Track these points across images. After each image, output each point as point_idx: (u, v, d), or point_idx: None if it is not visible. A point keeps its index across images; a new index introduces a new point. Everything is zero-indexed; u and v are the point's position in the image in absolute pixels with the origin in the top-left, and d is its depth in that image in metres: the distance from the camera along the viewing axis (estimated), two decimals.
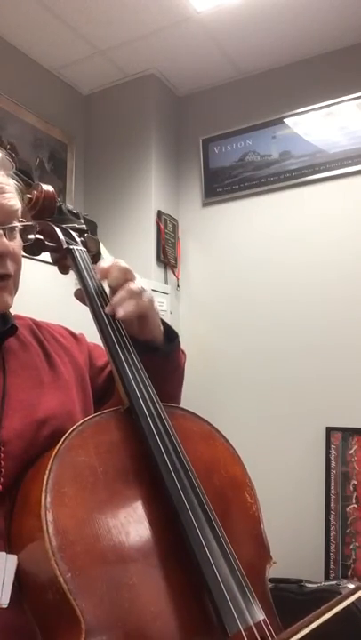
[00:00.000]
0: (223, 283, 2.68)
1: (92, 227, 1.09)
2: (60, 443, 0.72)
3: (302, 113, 2.53)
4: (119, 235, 2.69)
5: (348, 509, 2.25)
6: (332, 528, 2.26)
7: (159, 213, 2.67)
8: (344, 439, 2.30)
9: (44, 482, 0.67)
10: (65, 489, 0.68)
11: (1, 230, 0.79)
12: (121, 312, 0.84)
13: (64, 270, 1.00)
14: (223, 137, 2.71)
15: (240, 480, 0.86)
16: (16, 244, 0.83)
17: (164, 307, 2.55)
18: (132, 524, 0.70)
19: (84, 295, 0.92)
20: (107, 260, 0.90)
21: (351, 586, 1.71)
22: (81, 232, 1.01)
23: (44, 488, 0.67)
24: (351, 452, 2.28)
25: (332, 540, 2.26)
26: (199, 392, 2.64)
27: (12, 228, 0.82)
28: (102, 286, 0.92)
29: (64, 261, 0.98)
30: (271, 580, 0.81)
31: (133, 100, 2.75)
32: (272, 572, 0.82)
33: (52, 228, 0.96)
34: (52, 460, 0.69)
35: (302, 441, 2.40)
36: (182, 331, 2.68)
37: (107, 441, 0.76)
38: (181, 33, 2.41)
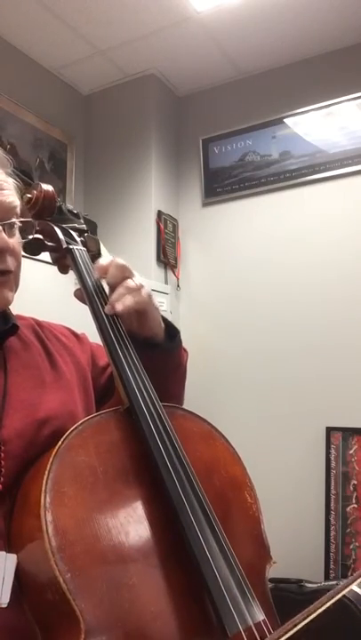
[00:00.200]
0: (223, 283, 2.68)
1: (92, 227, 1.09)
2: (60, 442, 0.72)
3: (302, 113, 2.53)
4: (119, 235, 2.69)
5: (348, 509, 2.25)
6: (333, 528, 2.26)
7: (159, 213, 2.67)
8: (344, 439, 2.30)
9: (44, 482, 0.67)
10: (65, 489, 0.68)
11: (0, 226, 0.79)
12: (119, 307, 0.84)
13: (64, 270, 1.00)
14: (223, 137, 2.71)
15: (240, 480, 0.86)
16: (15, 241, 0.83)
17: (164, 307, 2.55)
18: (132, 525, 0.70)
19: (83, 295, 0.92)
20: (105, 258, 0.90)
21: (351, 586, 1.72)
22: (81, 232, 1.01)
23: (43, 488, 0.66)
24: (351, 452, 2.28)
25: (332, 540, 2.26)
26: (199, 392, 2.63)
27: (11, 225, 0.82)
28: (102, 286, 0.92)
29: (64, 261, 0.98)
30: (271, 580, 0.81)
31: (133, 100, 2.75)
32: (272, 571, 0.82)
33: (51, 228, 0.96)
34: (51, 459, 0.69)
35: (302, 441, 2.40)
36: (182, 331, 2.66)
37: (107, 441, 0.76)
38: (181, 33, 2.41)
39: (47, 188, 0.96)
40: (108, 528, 0.68)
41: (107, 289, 0.90)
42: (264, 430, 2.47)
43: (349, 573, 2.20)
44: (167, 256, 2.68)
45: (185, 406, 0.91)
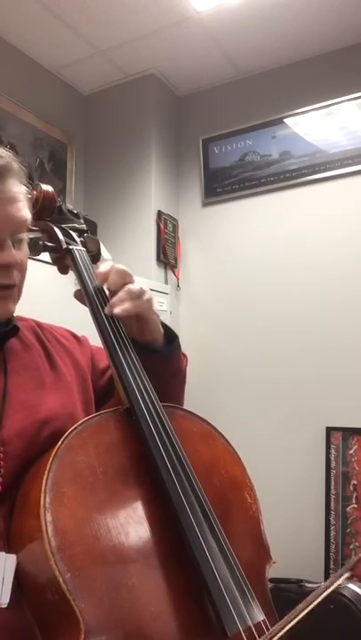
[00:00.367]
0: (223, 283, 2.68)
1: (92, 227, 1.09)
2: (60, 443, 0.72)
3: (302, 113, 2.53)
4: (119, 235, 2.69)
5: (348, 509, 2.25)
6: (332, 528, 2.26)
7: (159, 213, 2.67)
8: (344, 439, 2.30)
9: (44, 482, 0.67)
10: (64, 489, 0.68)
11: (10, 241, 0.79)
12: (118, 310, 0.84)
13: (63, 270, 1.00)
14: (223, 137, 2.71)
15: (240, 480, 0.86)
16: (23, 254, 0.83)
17: (164, 307, 2.55)
18: (132, 525, 0.70)
19: (83, 295, 0.92)
20: (105, 264, 0.90)
21: (351, 586, 1.72)
22: (80, 232, 1.01)
23: (43, 488, 0.67)
24: (351, 452, 2.28)
25: (332, 540, 2.26)
26: (199, 392, 2.64)
27: (21, 238, 0.82)
28: (102, 287, 0.92)
29: (63, 261, 0.98)
30: (271, 580, 0.81)
31: (133, 100, 2.75)
32: (272, 571, 0.82)
33: (51, 228, 0.96)
34: (51, 459, 0.69)
35: (302, 441, 2.40)
36: (182, 331, 2.68)
37: (106, 441, 0.76)
38: (181, 33, 2.41)
39: (47, 188, 0.96)
40: (107, 528, 0.68)
41: (107, 291, 0.90)
42: (264, 430, 2.47)
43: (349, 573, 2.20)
44: (167, 256, 2.68)
45: (185, 406, 0.91)
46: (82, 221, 1.04)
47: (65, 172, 2.74)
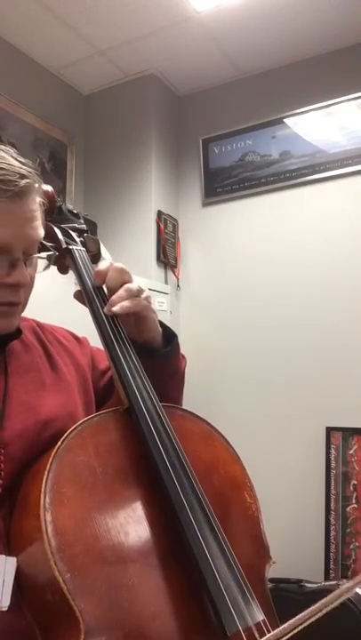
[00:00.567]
0: (223, 283, 2.68)
1: (92, 227, 1.09)
2: (60, 443, 0.72)
3: (302, 113, 2.53)
4: (119, 235, 2.69)
5: (348, 509, 2.25)
6: (332, 528, 2.26)
7: (159, 213, 2.67)
8: (344, 439, 2.30)
9: (43, 482, 0.67)
10: (64, 489, 0.68)
11: (23, 261, 0.78)
12: (117, 308, 0.85)
13: (63, 270, 1.00)
14: (223, 137, 2.71)
15: (239, 480, 0.86)
16: (32, 271, 0.83)
17: (164, 307, 2.55)
18: (132, 525, 0.70)
19: (83, 295, 0.92)
20: (103, 262, 0.91)
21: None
22: (80, 232, 1.01)
23: (42, 488, 0.67)
24: (351, 452, 2.28)
25: (332, 540, 2.26)
26: (199, 392, 2.64)
27: (33, 256, 0.82)
28: (101, 286, 0.92)
29: (63, 261, 0.98)
30: (271, 580, 0.81)
31: (133, 100, 2.75)
32: (272, 571, 0.82)
33: (50, 228, 0.96)
34: (50, 460, 0.69)
35: (302, 441, 2.40)
36: (182, 331, 2.68)
37: (106, 441, 0.76)
38: (181, 33, 2.41)
39: (46, 188, 0.96)
40: (107, 528, 0.68)
41: (106, 290, 0.90)
42: (264, 430, 2.47)
43: (349, 573, 2.20)
44: (167, 256, 2.68)
45: (184, 406, 0.91)
46: (82, 221, 1.04)
47: (65, 171, 2.74)
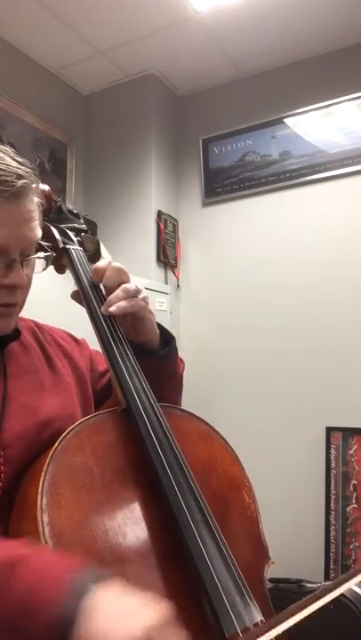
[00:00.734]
0: (223, 283, 2.68)
1: (93, 227, 1.09)
2: (57, 444, 0.71)
3: (302, 113, 2.52)
4: (119, 235, 2.69)
5: (348, 509, 2.25)
6: (333, 528, 2.26)
7: (159, 213, 2.67)
8: (344, 439, 2.29)
9: (40, 483, 0.67)
10: (61, 490, 0.68)
11: (20, 262, 0.77)
12: (114, 308, 0.85)
13: (60, 270, 1.00)
14: (223, 137, 2.71)
15: (238, 480, 0.85)
16: (30, 272, 0.82)
17: (164, 307, 2.55)
18: (129, 526, 0.70)
19: (80, 295, 0.92)
20: (102, 261, 0.91)
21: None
22: (77, 231, 1.00)
23: (40, 490, 0.66)
24: (351, 452, 2.28)
25: (332, 540, 2.25)
26: (198, 392, 2.64)
27: (30, 257, 0.81)
28: (99, 286, 0.92)
29: (60, 261, 0.98)
30: (271, 580, 0.81)
31: (133, 100, 2.75)
32: (272, 572, 0.82)
33: (48, 228, 0.96)
34: (48, 461, 0.69)
35: (302, 441, 2.40)
36: (182, 331, 2.68)
37: (103, 442, 0.75)
38: (181, 33, 2.41)
39: (43, 187, 0.96)
40: (105, 529, 0.68)
41: (103, 289, 0.90)
42: (264, 430, 2.47)
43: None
44: (167, 256, 2.68)
45: (184, 406, 0.90)
46: (82, 221, 1.04)
47: (65, 171, 2.74)
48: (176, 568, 0.70)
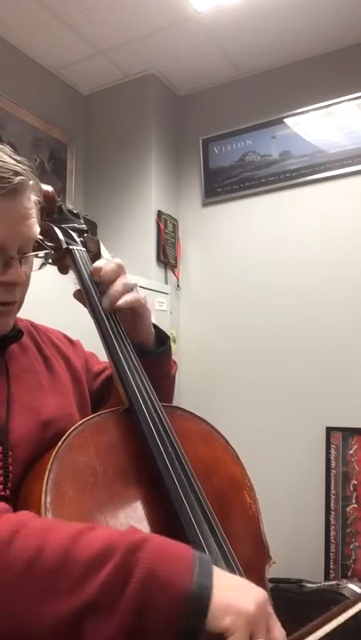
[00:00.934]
0: (223, 283, 2.68)
1: (92, 227, 1.09)
2: (60, 443, 0.72)
3: (302, 113, 2.53)
4: (119, 235, 2.69)
5: (348, 509, 2.25)
6: (332, 528, 2.26)
7: (159, 213, 2.67)
8: (344, 439, 2.30)
9: (44, 482, 0.67)
10: (65, 489, 0.68)
11: (18, 259, 0.77)
12: (122, 302, 0.86)
13: (64, 270, 1.00)
14: (223, 137, 2.71)
15: (239, 480, 0.86)
16: (28, 269, 0.82)
17: (164, 307, 2.55)
18: (132, 524, 0.70)
19: (83, 295, 0.92)
20: (101, 260, 0.91)
21: (351, 586, 1.72)
22: (80, 232, 1.01)
23: (43, 488, 0.66)
24: (351, 452, 2.28)
25: (332, 540, 2.26)
26: (199, 392, 2.64)
27: (28, 254, 0.81)
28: (100, 284, 0.92)
29: (64, 261, 0.98)
30: (271, 580, 0.81)
31: (133, 100, 2.75)
32: (272, 571, 0.82)
33: (51, 228, 0.96)
34: (51, 460, 0.69)
35: (302, 441, 2.40)
36: (182, 331, 2.68)
37: (106, 441, 0.76)
38: (181, 33, 2.41)
39: (46, 188, 0.96)
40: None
41: (102, 286, 0.91)
42: (264, 430, 2.47)
43: (349, 573, 2.20)
44: (167, 256, 2.68)
45: (184, 406, 0.91)
46: (82, 221, 1.04)
47: (65, 171, 2.74)
48: None
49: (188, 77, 2.75)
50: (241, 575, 0.71)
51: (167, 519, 0.71)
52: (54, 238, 0.95)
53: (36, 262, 0.88)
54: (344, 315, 2.37)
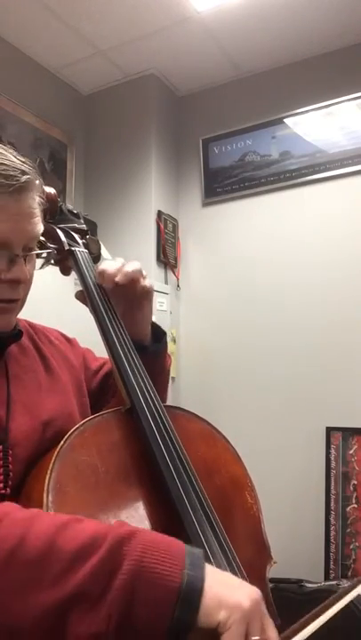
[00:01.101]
0: (223, 283, 2.68)
1: (92, 227, 1.09)
2: (62, 442, 0.72)
3: (302, 113, 2.53)
4: (119, 235, 2.69)
5: (348, 509, 2.25)
6: (332, 528, 2.26)
7: (159, 213, 2.67)
8: (344, 439, 2.30)
9: (46, 481, 0.67)
10: (66, 488, 0.68)
11: (22, 257, 0.78)
12: (121, 276, 0.89)
13: (66, 272, 1.01)
14: (223, 137, 2.71)
15: (241, 480, 0.86)
16: (31, 268, 0.83)
17: (164, 307, 2.56)
18: (133, 524, 0.70)
19: (85, 296, 0.92)
20: (105, 262, 0.92)
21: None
22: (82, 233, 1.01)
23: (45, 487, 0.67)
24: (351, 452, 2.28)
25: (332, 540, 2.26)
26: (199, 392, 2.64)
27: (32, 252, 0.82)
28: (103, 287, 0.92)
29: (66, 262, 0.99)
30: (271, 580, 0.81)
31: (133, 100, 2.75)
32: (272, 571, 0.83)
33: (53, 230, 0.96)
34: (53, 459, 0.69)
35: (302, 441, 2.41)
36: (182, 330, 2.68)
37: (108, 441, 0.76)
38: (182, 33, 2.41)
39: (49, 190, 0.96)
40: None
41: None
42: (264, 430, 2.47)
43: (349, 573, 2.20)
44: (167, 256, 2.68)
45: (184, 406, 0.91)
46: (82, 221, 1.05)
47: (65, 172, 2.74)
48: None
49: (189, 77, 2.75)
50: (242, 575, 0.71)
51: (169, 519, 0.72)
52: (57, 240, 0.95)
53: (38, 262, 0.88)
54: (344, 315, 2.37)
